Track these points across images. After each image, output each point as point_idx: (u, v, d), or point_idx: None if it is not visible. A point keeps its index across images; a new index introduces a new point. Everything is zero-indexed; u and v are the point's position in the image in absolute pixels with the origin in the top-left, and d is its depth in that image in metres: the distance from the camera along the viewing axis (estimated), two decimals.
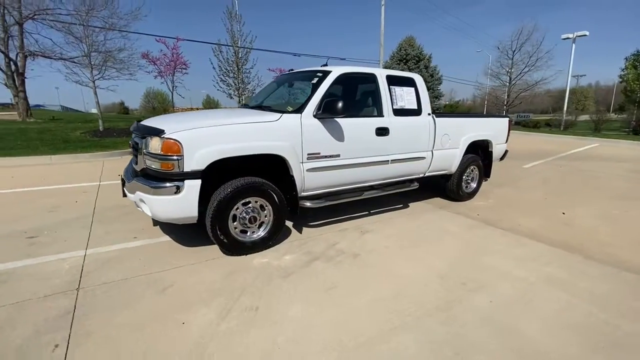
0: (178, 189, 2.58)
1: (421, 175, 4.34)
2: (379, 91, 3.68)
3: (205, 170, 2.64)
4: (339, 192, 3.60)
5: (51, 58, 11.67)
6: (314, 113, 3.15)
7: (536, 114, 37.82)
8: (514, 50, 23.98)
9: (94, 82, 10.98)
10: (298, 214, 3.25)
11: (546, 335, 2.04)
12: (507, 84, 24.73)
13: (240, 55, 15.32)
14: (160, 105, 40.74)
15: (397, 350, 1.88)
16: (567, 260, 3.06)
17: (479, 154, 5.12)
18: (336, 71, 3.43)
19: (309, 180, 3.23)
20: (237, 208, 2.90)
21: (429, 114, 4.14)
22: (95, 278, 2.57)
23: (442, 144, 4.33)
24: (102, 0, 11.67)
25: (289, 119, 3.04)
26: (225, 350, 1.86)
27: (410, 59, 18.84)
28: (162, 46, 14.66)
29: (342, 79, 3.49)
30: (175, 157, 2.55)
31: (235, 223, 2.92)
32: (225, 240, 2.85)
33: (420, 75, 4.30)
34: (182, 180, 2.59)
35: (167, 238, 3.32)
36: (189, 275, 2.65)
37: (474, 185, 5.05)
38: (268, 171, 3.09)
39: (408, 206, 4.70)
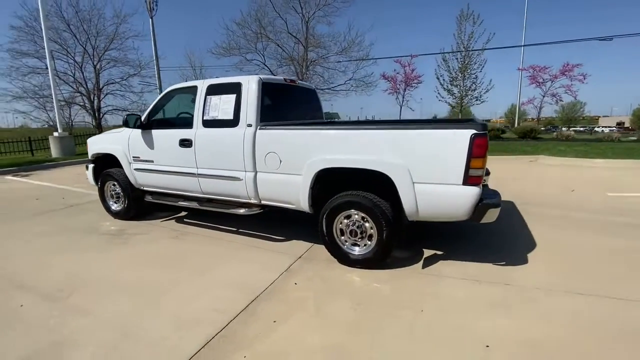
0: (87, 168, 4.71)
1: (255, 202, 3.40)
2: (195, 102, 3.60)
3: (94, 160, 4.56)
4: (167, 195, 4.06)
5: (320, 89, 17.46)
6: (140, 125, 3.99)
7: None
8: None
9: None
10: (132, 205, 4.28)
11: None
12: None
13: (467, 61, 13.72)
14: None
15: None
16: None
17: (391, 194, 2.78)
18: (168, 88, 3.91)
19: (138, 177, 4.14)
20: (109, 187, 4.54)
21: (250, 125, 3.20)
22: (72, 206, 5.36)
23: (270, 165, 3.12)
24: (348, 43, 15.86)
25: (128, 130, 4.15)
26: None
27: None
28: (396, 66, 16.45)
29: (172, 94, 3.90)
30: (89, 150, 4.68)
31: (108, 197, 4.59)
32: (106, 205, 4.62)
33: None
34: (90, 163, 4.68)
35: None
36: (66, 217, 4.76)
37: (356, 248, 2.86)
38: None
39: (290, 241, 3.67)
